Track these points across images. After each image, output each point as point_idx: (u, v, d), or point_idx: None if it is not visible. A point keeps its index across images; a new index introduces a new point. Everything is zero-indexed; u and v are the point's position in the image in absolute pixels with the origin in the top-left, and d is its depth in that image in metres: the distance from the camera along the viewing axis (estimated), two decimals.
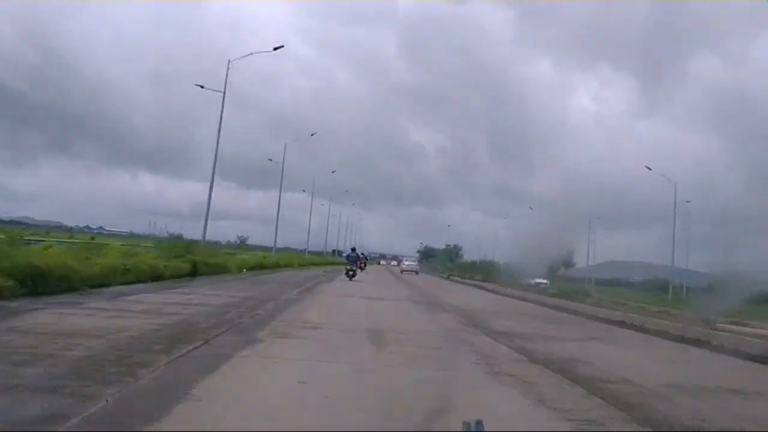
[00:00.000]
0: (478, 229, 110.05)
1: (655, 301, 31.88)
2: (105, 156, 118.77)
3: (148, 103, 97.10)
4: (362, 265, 39.60)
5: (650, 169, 43.25)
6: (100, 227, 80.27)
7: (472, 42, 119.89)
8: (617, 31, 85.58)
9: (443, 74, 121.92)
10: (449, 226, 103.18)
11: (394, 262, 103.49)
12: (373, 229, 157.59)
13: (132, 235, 53.27)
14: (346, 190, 78.13)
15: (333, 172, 66.96)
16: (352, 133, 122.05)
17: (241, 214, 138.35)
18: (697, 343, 11.82)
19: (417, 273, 51.83)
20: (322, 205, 68.48)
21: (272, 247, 49.47)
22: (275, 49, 31.98)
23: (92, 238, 41.04)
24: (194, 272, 21.55)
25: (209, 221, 31.08)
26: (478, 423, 1.81)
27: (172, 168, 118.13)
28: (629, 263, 67.75)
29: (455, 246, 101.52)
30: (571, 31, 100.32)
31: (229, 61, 30.37)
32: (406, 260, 60.10)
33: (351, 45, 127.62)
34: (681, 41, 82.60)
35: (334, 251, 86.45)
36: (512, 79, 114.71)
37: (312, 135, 52.99)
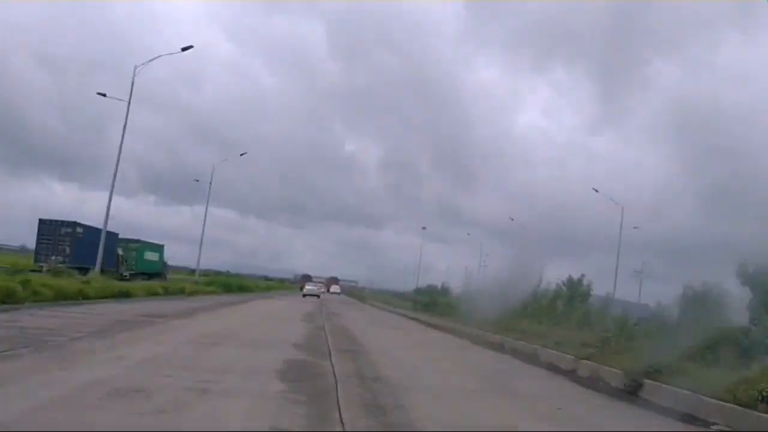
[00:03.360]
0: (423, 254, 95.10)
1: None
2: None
3: (50, 99, 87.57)
4: None
5: (597, 191, 40.01)
6: None
7: (411, 39, 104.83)
8: (573, 29, 76.82)
9: (379, 77, 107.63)
10: (424, 228, 76.54)
11: (336, 287, 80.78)
12: (305, 250, 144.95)
13: (23, 250, 46.86)
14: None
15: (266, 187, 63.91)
16: (283, 143, 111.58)
17: (165, 232, 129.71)
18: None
19: (319, 297, 51.15)
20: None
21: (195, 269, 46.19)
22: (184, 49, 28.82)
23: None
24: None
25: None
26: None
27: (84, 177, 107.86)
28: None
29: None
30: (522, 28, 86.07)
31: (135, 67, 27.15)
32: (309, 284, 58.76)
33: (277, 42, 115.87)
34: (642, 45, 77.13)
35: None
36: (457, 82, 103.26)
37: (242, 155, 51.35)
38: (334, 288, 77.98)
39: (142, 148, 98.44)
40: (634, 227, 39.46)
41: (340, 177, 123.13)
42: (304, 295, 50.56)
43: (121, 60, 78.96)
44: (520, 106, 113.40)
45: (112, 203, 27.64)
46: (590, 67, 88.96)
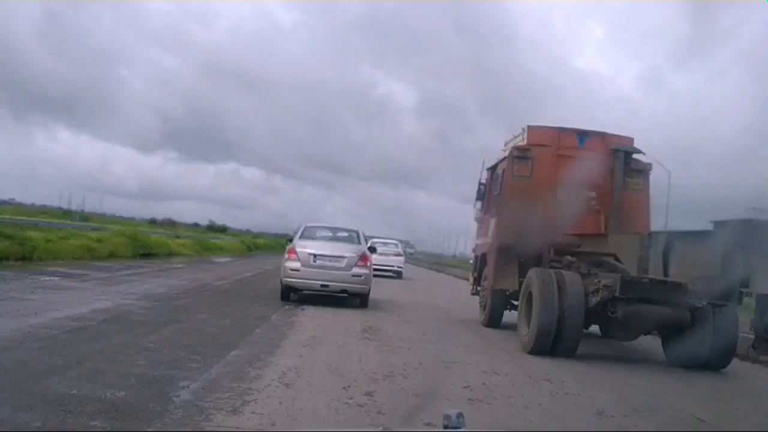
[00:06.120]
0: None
1: None
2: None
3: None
4: None
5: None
6: None
7: None
8: None
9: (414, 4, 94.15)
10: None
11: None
12: (336, 210, 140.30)
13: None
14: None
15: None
16: (312, 87, 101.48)
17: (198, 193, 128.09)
18: None
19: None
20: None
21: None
22: None
23: None
24: None
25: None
26: (459, 415, 1.61)
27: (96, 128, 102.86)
28: None
29: None
30: None
31: None
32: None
33: None
34: None
35: None
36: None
37: None
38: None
39: (156, 92, 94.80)
40: None
41: (373, 128, 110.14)
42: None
43: None
44: (586, 33, 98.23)
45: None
46: None
